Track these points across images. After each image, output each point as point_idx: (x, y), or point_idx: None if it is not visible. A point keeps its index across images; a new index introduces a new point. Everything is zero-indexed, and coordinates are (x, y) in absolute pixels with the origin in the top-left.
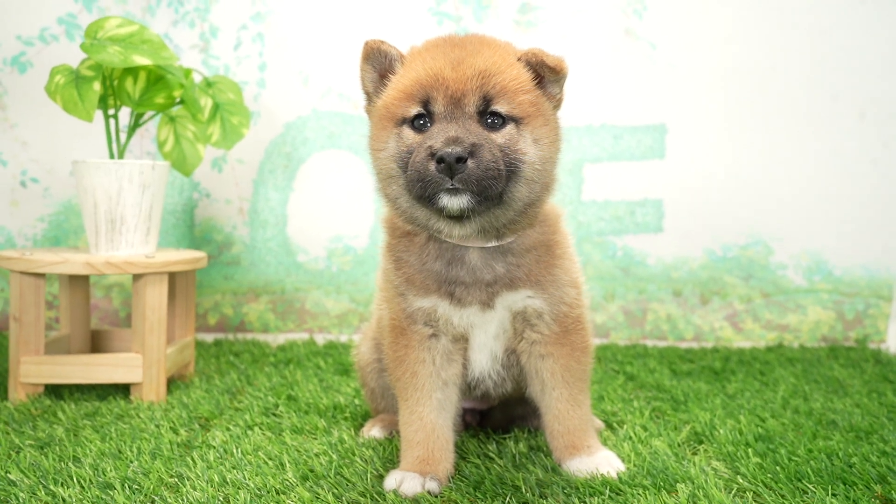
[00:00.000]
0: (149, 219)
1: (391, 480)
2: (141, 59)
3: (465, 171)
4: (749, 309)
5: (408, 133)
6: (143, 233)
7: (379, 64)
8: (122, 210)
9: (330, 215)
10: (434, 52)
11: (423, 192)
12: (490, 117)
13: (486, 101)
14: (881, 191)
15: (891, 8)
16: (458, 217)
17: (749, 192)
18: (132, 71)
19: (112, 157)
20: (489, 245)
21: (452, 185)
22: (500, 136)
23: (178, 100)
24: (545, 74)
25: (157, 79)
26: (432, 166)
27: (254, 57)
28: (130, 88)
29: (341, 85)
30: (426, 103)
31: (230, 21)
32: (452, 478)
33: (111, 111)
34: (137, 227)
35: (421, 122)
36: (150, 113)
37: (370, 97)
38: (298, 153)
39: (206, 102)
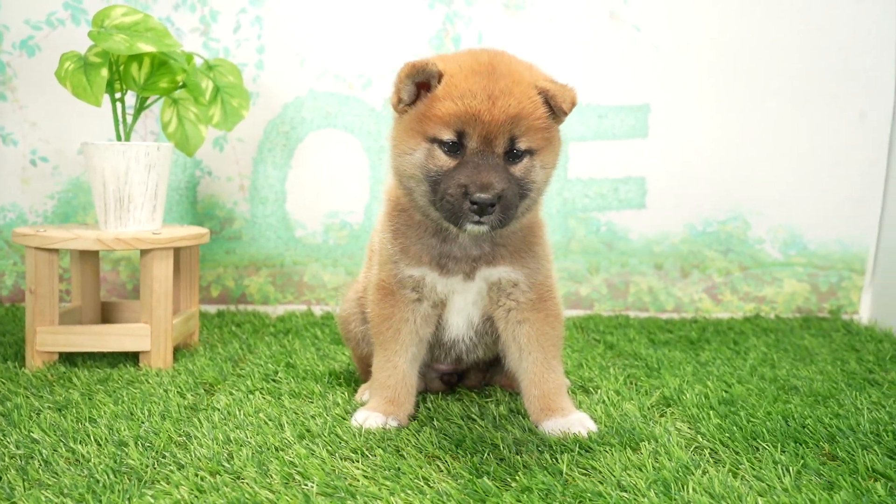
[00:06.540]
0: (154, 197)
1: (358, 417)
2: (145, 47)
3: (492, 214)
4: (727, 281)
5: (439, 154)
6: (150, 210)
7: (419, 79)
8: (130, 189)
9: (326, 192)
10: (472, 83)
11: (451, 217)
12: (512, 152)
13: (512, 140)
14: (855, 168)
15: None
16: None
17: (728, 169)
18: (137, 57)
19: (119, 138)
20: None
21: (479, 220)
22: (518, 169)
23: (180, 84)
24: (559, 115)
25: (160, 64)
26: (466, 205)
27: (252, 40)
28: (136, 74)
29: (337, 67)
30: (461, 135)
31: (230, 5)
32: (413, 419)
33: (118, 95)
34: (144, 205)
35: (455, 150)
36: (154, 96)
37: (401, 101)
38: (296, 132)
39: (208, 85)
